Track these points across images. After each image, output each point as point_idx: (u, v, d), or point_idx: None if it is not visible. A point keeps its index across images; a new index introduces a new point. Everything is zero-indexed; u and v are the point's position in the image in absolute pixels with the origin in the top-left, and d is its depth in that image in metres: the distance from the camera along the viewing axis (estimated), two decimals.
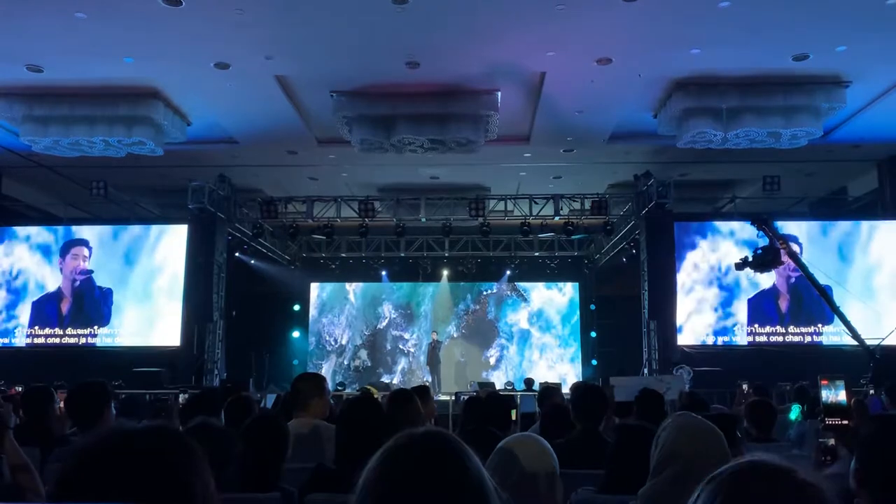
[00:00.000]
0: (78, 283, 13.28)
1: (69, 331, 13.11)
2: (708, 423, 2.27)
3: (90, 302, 13.20)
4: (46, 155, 11.00)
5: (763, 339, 12.86)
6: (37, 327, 13.14)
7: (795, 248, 12.28)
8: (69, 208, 14.40)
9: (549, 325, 18.62)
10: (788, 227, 12.80)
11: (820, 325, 12.66)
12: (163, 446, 1.08)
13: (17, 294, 13.30)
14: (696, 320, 12.98)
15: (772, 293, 12.87)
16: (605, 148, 12.38)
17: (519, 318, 18.70)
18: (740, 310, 12.96)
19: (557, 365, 18.36)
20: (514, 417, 5.44)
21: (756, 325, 12.88)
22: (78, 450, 1.08)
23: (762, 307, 12.95)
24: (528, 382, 13.64)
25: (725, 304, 13.03)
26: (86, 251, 13.38)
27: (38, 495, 2.61)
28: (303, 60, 9.18)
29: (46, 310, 13.20)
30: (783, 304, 12.90)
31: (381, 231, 16.05)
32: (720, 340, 12.92)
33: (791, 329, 12.82)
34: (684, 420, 2.27)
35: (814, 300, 11.60)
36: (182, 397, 6.14)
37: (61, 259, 13.36)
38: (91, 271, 13.27)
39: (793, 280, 12.50)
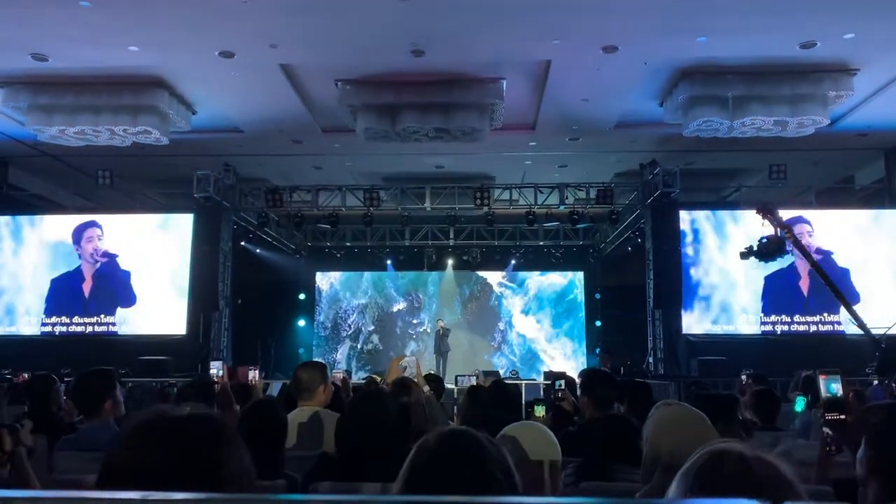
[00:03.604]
0: (100, 264, 13.28)
1: (76, 319, 13.16)
2: (689, 409, 2.23)
3: (115, 282, 13.18)
4: (52, 144, 11.02)
5: (783, 328, 12.69)
6: (53, 315, 13.17)
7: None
8: (75, 197, 14.45)
9: (548, 305, 18.78)
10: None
11: (826, 314, 12.58)
12: (197, 430, 1.15)
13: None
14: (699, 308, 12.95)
15: (792, 272, 12.50)
16: (610, 136, 12.33)
17: (518, 303, 18.82)
18: (746, 297, 12.90)
19: (555, 344, 18.48)
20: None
21: (772, 315, 12.73)
22: (123, 434, 1.16)
23: (782, 288, 12.62)
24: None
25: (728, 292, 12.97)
26: (98, 231, 13.36)
27: None
28: (308, 49, 9.16)
29: (68, 291, 13.18)
30: (804, 287, 12.55)
31: (386, 220, 16.06)
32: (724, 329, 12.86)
33: (809, 318, 12.65)
34: (662, 414, 2.23)
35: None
36: None
37: (76, 244, 13.32)
38: (115, 255, 13.26)
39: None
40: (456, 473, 1.35)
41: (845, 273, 12.22)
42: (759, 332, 12.75)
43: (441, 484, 1.34)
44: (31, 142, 11.32)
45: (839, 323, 12.49)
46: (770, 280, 12.63)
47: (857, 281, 12.30)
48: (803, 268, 12.42)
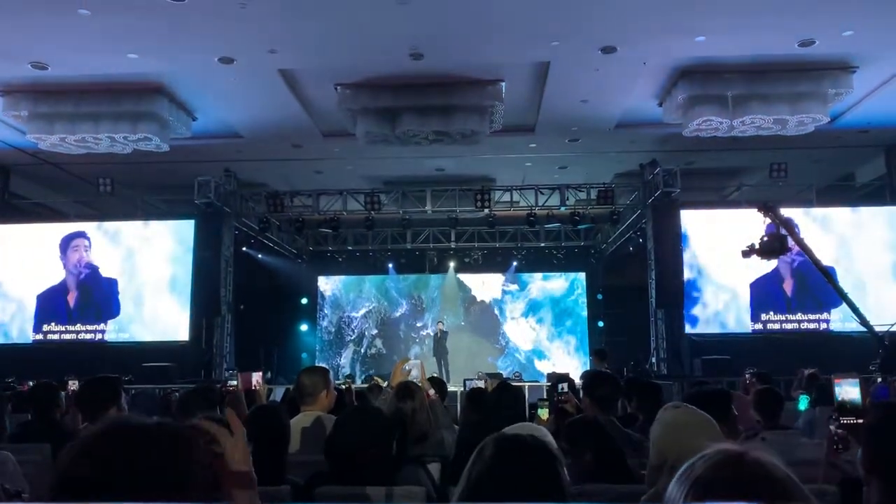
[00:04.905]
0: (83, 275, 13.31)
1: (79, 326, 13.17)
2: (696, 412, 2.22)
3: (98, 294, 13.21)
4: (53, 152, 11.03)
5: (772, 326, 12.70)
6: (44, 324, 13.17)
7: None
8: (77, 205, 14.46)
9: (550, 306, 18.77)
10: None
11: (827, 313, 12.54)
12: (161, 439, 1.11)
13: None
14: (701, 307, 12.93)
15: (775, 277, 12.63)
16: (610, 137, 12.33)
17: (520, 305, 18.82)
18: (748, 295, 12.87)
19: (558, 345, 18.51)
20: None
21: (761, 313, 12.77)
22: (78, 443, 1.13)
23: (766, 292, 12.71)
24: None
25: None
26: (85, 242, 13.38)
27: None
28: (307, 54, 9.17)
29: (53, 304, 13.20)
30: (788, 288, 12.75)
31: (388, 223, 16.07)
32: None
33: (799, 315, 12.72)
34: (670, 416, 2.21)
35: (818, 284, 11.40)
36: None
37: (62, 254, 13.36)
38: (95, 266, 13.31)
39: (795, 264, 12.32)
40: (511, 480, 1.47)
41: (832, 271, 12.22)
42: (752, 331, 12.74)
43: (498, 489, 1.46)
44: (32, 150, 11.33)
45: (826, 321, 12.52)
46: (755, 287, 12.69)
47: (860, 278, 12.28)
48: (786, 270, 12.47)
